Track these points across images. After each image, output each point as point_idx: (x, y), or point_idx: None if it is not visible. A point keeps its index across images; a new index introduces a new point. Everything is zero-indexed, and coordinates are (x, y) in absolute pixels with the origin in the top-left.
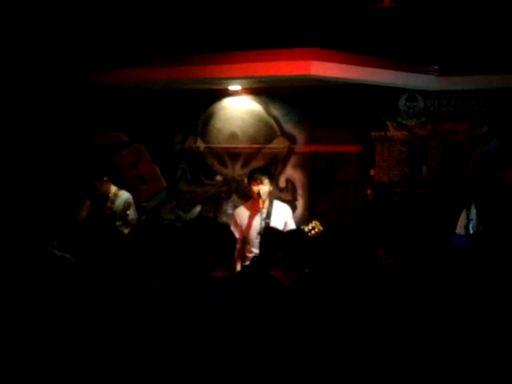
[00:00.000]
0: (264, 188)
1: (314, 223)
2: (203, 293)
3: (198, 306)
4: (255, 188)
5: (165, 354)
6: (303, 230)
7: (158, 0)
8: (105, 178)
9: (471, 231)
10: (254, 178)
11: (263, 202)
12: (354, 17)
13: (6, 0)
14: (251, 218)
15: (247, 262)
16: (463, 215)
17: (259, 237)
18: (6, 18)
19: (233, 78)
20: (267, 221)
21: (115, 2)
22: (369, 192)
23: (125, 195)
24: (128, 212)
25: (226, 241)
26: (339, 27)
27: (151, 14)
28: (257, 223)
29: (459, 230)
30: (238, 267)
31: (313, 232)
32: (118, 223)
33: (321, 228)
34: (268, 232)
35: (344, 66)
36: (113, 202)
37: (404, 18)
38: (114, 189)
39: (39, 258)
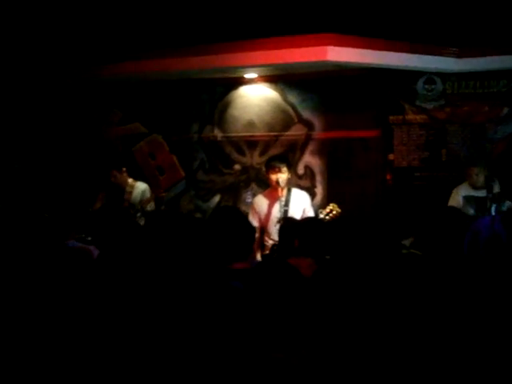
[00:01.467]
0: (282, 176)
1: (331, 206)
2: (226, 285)
3: (221, 298)
4: (273, 176)
5: (188, 345)
6: (319, 217)
7: None
8: (123, 169)
9: (493, 212)
10: (272, 165)
11: (282, 189)
12: (369, 0)
13: None
14: (270, 206)
15: (266, 251)
16: (458, 193)
17: (278, 225)
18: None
19: (249, 66)
20: (286, 208)
21: None
22: (388, 177)
23: (142, 186)
24: (148, 204)
25: (245, 233)
26: (355, 11)
27: (166, 3)
28: (276, 211)
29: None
30: (258, 257)
31: (331, 215)
32: (137, 214)
33: (339, 210)
34: (286, 222)
35: (361, 51)
36: (130, 193)
37: (420, 0)
38: (130, 180)
39: (53, 251)
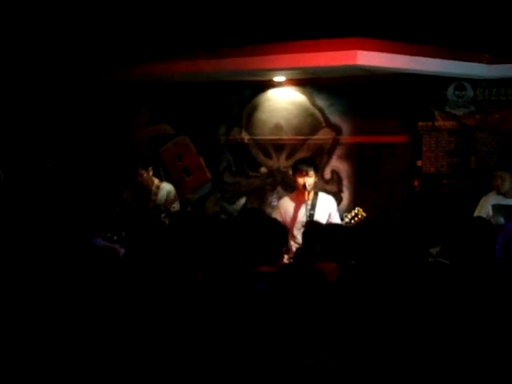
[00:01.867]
0: (309, 180)
1: (356, 210)
2: (251, 287)
3: (245, 299)
4: (300, 180)
5: (213, 346)
6: (344, 221)
7: None
8: (150, 168)
9: None
10: (299, 169)
11: (308, 193)
12: (400, 4)
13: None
14: (296, 209)
15: (291, 255)
16: (487, 202)
17: (303, 229)
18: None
19: (278, 70)
20: (312, 212)
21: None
22: (416, 183)
23: (167, 187)
24: (173, 205)
25: (277, 236)
26: (385, 15)
27: (198, 5)
28: (302, 215)
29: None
30: (285, 260)
31: (356, 219)
32: (162, 215)
33: (364, 214)
34: (309, 225)
35: (391, 56)
36: (156, 194)
37: (452, 5)
38: (156, 181)
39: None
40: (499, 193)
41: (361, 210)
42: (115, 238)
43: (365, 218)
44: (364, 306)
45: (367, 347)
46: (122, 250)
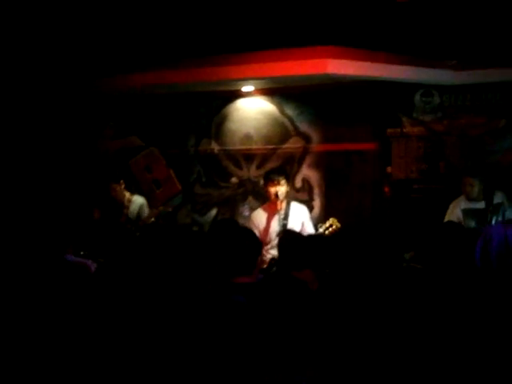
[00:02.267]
0: (281, 189)
1: (331, 220)
2: (229, 299)
3: (224, 313)
4: (272, 189)
5: (188, 362)
6: (318, 231)
7: (168, 2)
8: (121, 182)
9: (493, 221)
10: (270, 178)
11: (281, 203)
12: (369, 13)
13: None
14: (269, 219)
15: (264, 265)
16: (457, 206)
17: (277, 238)
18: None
19: (248, 79)
20: (285, 222)
21: (124, 7)
22: (386, 190)
23: (139, 200)
24: (148, 219)
25: (252, 246)
26: (354, 24)
27: (163, 16)
28: (275, 225)
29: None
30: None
31: (330, 229)
32: (134, 229)
33: (338, 225)
34: (286, 234)
35: (361, 63)
36: (127, 207)
37: (419, 13)
38: (127, 194)
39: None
40: (469, 198)
41: (335, 220)
42: (82, 253)
43: (339, 228)
44: (345, 316)
45: (350, 359)
46: (94, 266)
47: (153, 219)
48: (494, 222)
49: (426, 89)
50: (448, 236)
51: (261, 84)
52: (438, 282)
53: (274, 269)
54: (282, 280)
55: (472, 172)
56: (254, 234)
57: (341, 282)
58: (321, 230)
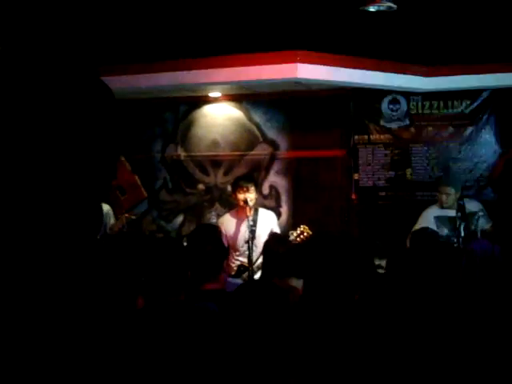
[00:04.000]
0: (250, 195)
1: (302, 227)
2: (199, 307)
3: (195, 321)
4: (241, 196)
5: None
6: (289, 238)
7: (133, 4)
8: None
9: (462, 233)
10: (239, 185)
11: (250, 209)
12: (339, 18)
13: None
14: (238, 225)
15: (232, 272)
16: (429, 214)
17: (245, 245)
18: None
19: (215, 84)
20: (254, 228)
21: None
22: (353, 197)
23: (104, 208)
24: (116, 227)
25: (217, 250)
26: (324, 28)
27: (126, 19)
28: (243, 231)
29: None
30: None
31: (302, 237)
32: (99, 237)
33: (310, 232)
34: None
35: (330, 69)
36: None
37: (389, 18)
38: None
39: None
40: (444, 206)
41: (306, 227)
42: None
43: (310, 235)
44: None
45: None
46: None
47: (120, 227)
48: (462, 229)
49: (393, 96)
50: (422, 242)
51: (228, 90)
52: (413, 289)
53: (244, 275)
54: (261, 288)
55: (448, 181)
56: (219, 238)
57: (319, 290)
58: (292, 237)
